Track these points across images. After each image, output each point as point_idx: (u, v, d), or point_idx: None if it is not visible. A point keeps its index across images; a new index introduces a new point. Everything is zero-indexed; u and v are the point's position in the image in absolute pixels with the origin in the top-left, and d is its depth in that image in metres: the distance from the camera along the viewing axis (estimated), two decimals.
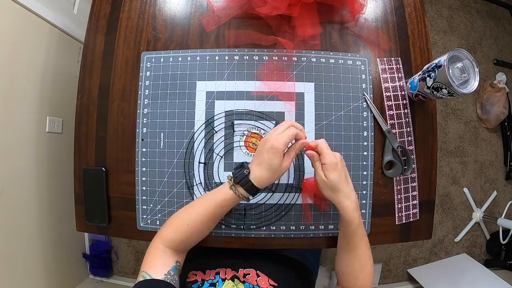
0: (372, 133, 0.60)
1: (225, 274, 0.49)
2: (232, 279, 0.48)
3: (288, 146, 0.48)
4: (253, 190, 0.47)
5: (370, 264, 0.50)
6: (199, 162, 0.59)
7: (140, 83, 0.61)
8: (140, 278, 0.43)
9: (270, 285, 0.49)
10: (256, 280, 0.49)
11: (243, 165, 0.48)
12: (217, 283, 0.47)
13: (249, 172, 0.47)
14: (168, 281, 0.43)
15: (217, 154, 0.59)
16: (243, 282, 0.48)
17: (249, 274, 0.50)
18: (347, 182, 0.47)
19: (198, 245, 0.53)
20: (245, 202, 0.53)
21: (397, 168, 0.59)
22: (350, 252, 0.50)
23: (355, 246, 0.49)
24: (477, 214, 1.53)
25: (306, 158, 0.59)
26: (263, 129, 0.59)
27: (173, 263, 0.47)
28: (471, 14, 1.66)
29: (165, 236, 0.49)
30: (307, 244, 0.59)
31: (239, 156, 0.59)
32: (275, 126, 0.59)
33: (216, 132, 0.59)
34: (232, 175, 0.48)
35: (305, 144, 0.48)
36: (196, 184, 0.59)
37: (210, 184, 0.59)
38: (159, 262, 0.46)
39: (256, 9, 0.57)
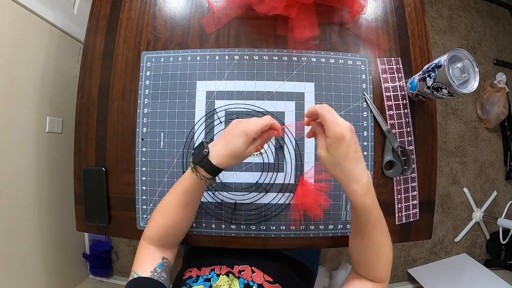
0: (372, 133, 0.60)
1: (220, 270, 0.50)
2: (227, 274, 0.48)
3: None
4: (213, 170, 0.44)
5: (386, 252, 0.44)
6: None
7: (140, 82, 0.61)
8: (130, 278, 0.44)
9: (266, 280, 0.49)
10: (251, 276, 0.49)
11: (202, 144, 0.45)
12: (211, 278, 0.47)
13: (208, 152, 0.44)
14: (155, 278, 0.44)
15: None
16: (238, 278, 0.48)
17: (244, 270, 0.50)
18: (355, 161, 0.39)
19: (197, 245, 0.53)
20: (212, 185, 0.50)
21: (397, 168, 0.59)
22: (362, 240, 0.44)
23: (368, 235, 0.42)
24: (477, 214, 1.53)
25: (305, 157, 0.59)
26: None
27: (159, 260, 0.48)
28: (471, 14, 1.66)
29: (147, 234, 0.49)
30: (307, 244, 0.59)
31: None
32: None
33: (215, 133, 0.59)
34: (192, 156, 0.46)
35: (274, 133, 0.45)
36: None
37: (210, 185, 0.59)
38: (146, 261, 0.47)
39: (254, 7, 0.57)
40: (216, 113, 0.59)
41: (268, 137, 0.46)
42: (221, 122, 0.59)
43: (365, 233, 0.42)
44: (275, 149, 0.59)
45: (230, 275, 0.48)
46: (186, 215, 0.50)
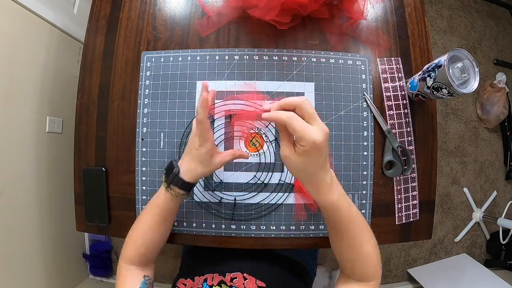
0: (372, 133, 0.60)
1: (212, 280, 0.49)
2: (219, 284, 0.48)
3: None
4: (188, 186, 0.46)
5: (368, 248, 0.41)
6: None
7: (140, 82, 0.61)
8: None
9: (258, 286, 0.48)
10: (244, 284, 0.48)
11: (172, 164, 0.47)
12: None
13: (179, 170, 0.46)
14: None
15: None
16: (230, 287, 0.47)
17: (236, 278, 0.50)
18: (324, 165, 0.36)
19: (192, 245, 0.53)
20: (189, 198, 0.52)
21: (397, 168, 0.59)
22: (339, 239, 0.42)
23: (343, 232, 0.40)
24: (477, 214, 1.53)
25: None
26: (262, 129, 0.59)
27: (141, 278, 0.48)
28: (471, 14, 1.66)
29: (125, 255, 0.49)
30: (307, 244, 0.59)
31: None
32: (275, 126, 0.59)
33: (215, 133, 0.59)
34: (163, 178, 0.47)
35: (236, 155, 0.50)
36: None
37: (209, 184, 0.59)
38: (127, 283, 0.47)
39: (248, 11, 0.57)
40: (213, 115, 0.59)
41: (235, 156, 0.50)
42: (214, 120, 0.59)
43: (339, 231, 0.41)
44: (274, 149, 0.59)
45: (223, 285, 0.48)
46: (163, 231, 0.51)
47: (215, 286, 0.47)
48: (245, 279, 0.49)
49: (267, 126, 0.59)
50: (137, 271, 0.49)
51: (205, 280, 0.49)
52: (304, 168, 0.35)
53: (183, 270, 0.53)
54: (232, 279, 0.49)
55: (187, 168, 0.46)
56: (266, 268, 0.55)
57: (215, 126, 0.59)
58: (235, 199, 0.58)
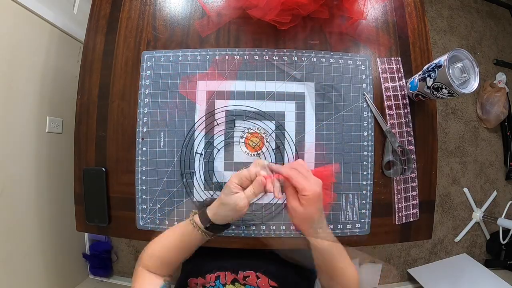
0: (372, 133, 0.60)
1: (225, 278, 0.49)
2: (233, 282, 0.48)
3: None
4: (207, 221, 0.44)
5: (353, 274, 0.46)
6: (196, 152, 0.59)
7: (140, 82, 0.61)
8: None
9: (270, 286, 0.49)
10: (256, 282, 0.49)
11: (204, 201, 0.49)
12: None
13: (208, 204, 0.46)
14: None
15: (216, 147, 0.59)
16: (244, 285, 0.48)
17: (249, 276, 0.50)
18: (322, 211, 0.42)
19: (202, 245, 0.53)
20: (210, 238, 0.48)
21: (397, 168, 0.59)
22: (331, 279, 0.45)
23: (333, 268, 0.44)
24: (477, 214, 1.53)
25: (305, 157, 0.59)
26: (263, 129, 0.59)
27: (161, 281, 0.47)
28: (471, 14, 1.66)
29: (145, 262, 0.49)
30: (308, 244, 0.59)
31: (239, 155, 0.59)
32: (275, 126, 0.59)
33: (217, 124, 0.59)
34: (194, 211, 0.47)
35: (263, 182, 0.42)
36: (192, 182, 0.59)
37: (209, 184, 0.59)
38: (147, 284, 0.46)
39: (248, 11, 0.57)
40: (215, 114, 0.59)
41: (259, 185, 0.43)
42: (217, 124, 0.59)
43: (330, 269, 0.44)
44: (273, 149, 0.59)
45: (236, 283, 0.48)
46: (184, 255, 0.49)
47: (228, 285, 0.48)
48: (258, 278, 0.50)
49: (270, 135, 0.59)
50: (157, 275, 0.48)
51: (217, 278, 0.49)
52: (308, 215, 0.41)
53: (191, 269, 0.53)
54: (245, 278, 0.50)
55: (212, 206, 0.45)
56: (278, 268, 0.55)
57: (215, 132, 0.59)
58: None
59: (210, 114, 0.59)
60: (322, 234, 0.43)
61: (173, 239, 0.48)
